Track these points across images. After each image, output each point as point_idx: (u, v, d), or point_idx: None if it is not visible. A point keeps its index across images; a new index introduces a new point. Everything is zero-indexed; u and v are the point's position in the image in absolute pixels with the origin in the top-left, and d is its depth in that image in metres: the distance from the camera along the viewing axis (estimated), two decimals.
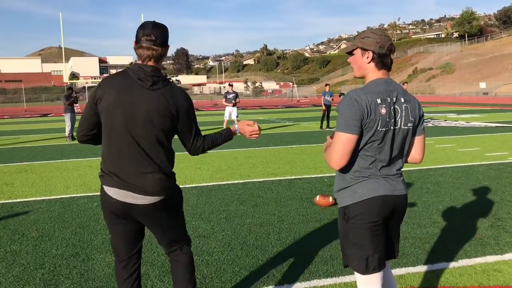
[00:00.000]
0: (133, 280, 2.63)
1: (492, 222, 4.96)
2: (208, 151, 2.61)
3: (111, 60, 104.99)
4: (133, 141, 2.35)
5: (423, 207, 5.59)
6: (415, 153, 2.44)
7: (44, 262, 4.05)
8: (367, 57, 2.29)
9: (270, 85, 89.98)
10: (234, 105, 15.21)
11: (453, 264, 3.83)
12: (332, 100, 16.77)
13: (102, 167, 2.46)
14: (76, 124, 13.02)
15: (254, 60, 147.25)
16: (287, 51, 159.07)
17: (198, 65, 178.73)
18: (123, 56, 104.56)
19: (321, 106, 17.25)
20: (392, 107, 2.24)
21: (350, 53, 2.38)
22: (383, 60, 2.29)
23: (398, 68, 78.12)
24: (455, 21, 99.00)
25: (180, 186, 2.64)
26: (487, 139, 12.32)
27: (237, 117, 15.34)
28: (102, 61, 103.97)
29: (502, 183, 6.84)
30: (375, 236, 2.27)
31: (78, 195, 6.64)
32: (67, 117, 14.62)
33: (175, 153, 2.56)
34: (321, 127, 16.84)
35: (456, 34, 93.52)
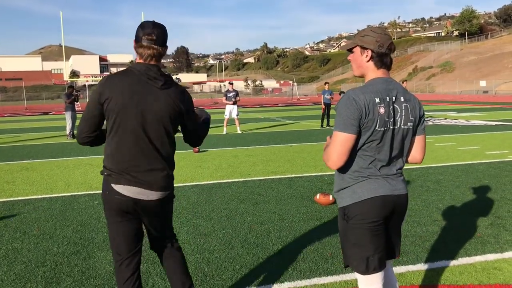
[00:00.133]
0: (134, 279, 2.63)
1: (492, 220, 4.97)
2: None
3: (112, 58, 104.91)
4: (147, 140, 2.43)
5: (423, 205, 5.60)
6: (415, 153, 2.41)
7: (45, 260, 4.06)
8: (366, 56, 2.27)
9: (270, 84, 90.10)
10: (234, 104, 15.21)
11: (453, 262, 3.84)
12: (332, 98, 16.78)
13: (109, 166, 2.46)
14: (77, 123, 13.02)
15: (254, 58, 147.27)
16: (287, 49, 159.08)
17: (198, 64, 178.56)
18: (124, 54, 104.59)
19: (321, 104, 17.28)
20: (391, 107, 2.22)
21: (350, 50, 2.37)
22: (383, 59, 2.27)
23: (398, 66, 78.12)
24: (455, 19, 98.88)
25: (181, 184, 2.67)
26: (487, 137, 12.33)
27: (237, 115, 15.34)
28: (102, 59, 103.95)
29: (502, 181, 6.85)
30: (375, 236, 2.26)
31: (79, 193, 6.65)
32: (67, 115, 14.66)
33: (175, 151, 2.62)
34: (321, 125, 16.86)
35: (456, 33, 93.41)
